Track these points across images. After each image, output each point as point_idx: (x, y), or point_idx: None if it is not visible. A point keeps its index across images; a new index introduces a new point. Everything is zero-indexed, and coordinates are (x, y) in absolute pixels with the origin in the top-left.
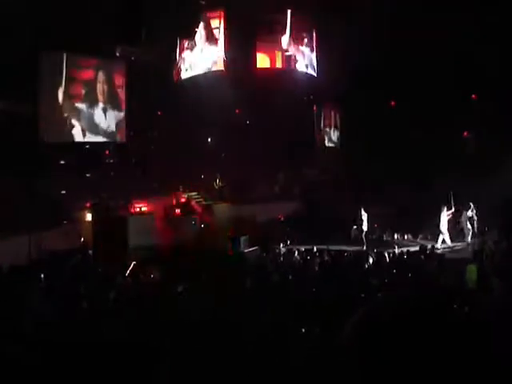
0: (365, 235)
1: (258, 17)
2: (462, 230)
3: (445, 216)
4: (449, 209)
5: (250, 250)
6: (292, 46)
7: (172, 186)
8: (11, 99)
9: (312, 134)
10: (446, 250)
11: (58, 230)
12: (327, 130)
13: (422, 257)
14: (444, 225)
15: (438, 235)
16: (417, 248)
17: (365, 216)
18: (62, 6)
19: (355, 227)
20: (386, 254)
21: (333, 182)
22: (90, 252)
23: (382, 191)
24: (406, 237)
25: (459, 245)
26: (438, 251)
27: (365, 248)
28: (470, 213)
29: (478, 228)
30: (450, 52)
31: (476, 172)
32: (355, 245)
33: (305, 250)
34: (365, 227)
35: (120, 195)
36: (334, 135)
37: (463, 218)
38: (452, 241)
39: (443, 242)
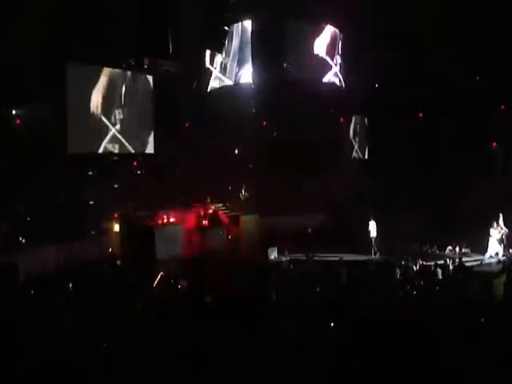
0: (374, 243)
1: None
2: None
3: (495, 230)
4: (498, 223)
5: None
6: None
7: (199, 197)
8: (40, 110)
9: (340, 146)
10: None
11: (86, 240)
12: (355, 142)
13: (451, 270)
14: (494, 239)
15: (487, 249)
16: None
17: (373, 224)
18: (91, 18)
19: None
20: (414, 266)
21: (359, 194)
22: (118, 262)
23: (409, 203)
24: (433, 249)
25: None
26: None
27: (374, 256)
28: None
29: (507, 241)
30: (476, 62)
31: (505, 184)
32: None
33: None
34: (373, 235)
35: (147, 206)
36: (362, 147)
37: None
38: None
39: (496, 254)
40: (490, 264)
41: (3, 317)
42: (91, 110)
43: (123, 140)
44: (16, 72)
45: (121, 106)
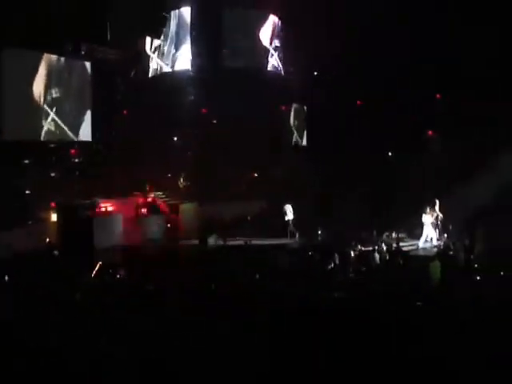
0: (289, 228)
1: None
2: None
3: (428, 215)
4: (432, 209)
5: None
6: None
7: (138, 185)
8: None
9: (279, 133)
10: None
11: (23, 229)
12: (294, 129)
13: (388, 255)
14: (428, 224)
15: (421, 234)
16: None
17: (289, 208)
18: (27, 4)
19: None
20: (352, 252)
21: (298, 181)
22: (56, 252)
23: (347, 190)
24: (371, 235)
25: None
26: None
27: (290, 240)
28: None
29: (443, 226)
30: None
31: (441, 170)
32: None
33: None
34: (289, 218)
35: (85, 195)
36: (301, 135)
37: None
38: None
39: (429, 241)
40: (425, 249)
41: None
42: (27, 96)
43: (60, 128)
44: None
45: (58, 93)
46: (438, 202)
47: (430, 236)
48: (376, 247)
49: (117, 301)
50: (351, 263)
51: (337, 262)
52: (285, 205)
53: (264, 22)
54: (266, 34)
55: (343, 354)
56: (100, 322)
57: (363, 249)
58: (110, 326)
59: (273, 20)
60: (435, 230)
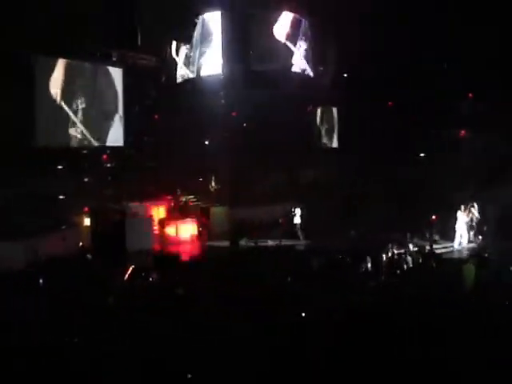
0: (299, 229)
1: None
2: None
3: (462, 216)
4: (466, 208)
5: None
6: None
7: (169, 189)
8: (5, 104)
9: (309, 136)
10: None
11: (57, 234)
12: (324, 131)
13: (421, 257)
14: (461, 226)
15: (454, 236)
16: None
17: (298, 211)
18: (58, 11)
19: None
20: (384, 255)
21: (328, 183)
22: (89, 256)
23: (382, 192)
24: (403, 237)
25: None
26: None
27: (301, 242)
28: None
29: (478, 229)
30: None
31: (475, 170)
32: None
33: None
34: (297, 221)
35: (117, 199)
36: (330, 136)
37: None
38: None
39: (462, 242)
40: (459, 250)
41: None
42: (59, 103)
43: (93, 133)
44: None
45: (90, 99)
46: (475, 203)
47: (462, 237)
48: (408, 250)
49: (148, 304)
50: (383, 266)
51: (369, 265)
52: (294, 208)
53: (289, 24)
54: (292, 35)
55: (373, 357)
56: (130, 325)
57: (395, 251)
58: (140, 329)
59: (299, 21)
60: (469, 231)
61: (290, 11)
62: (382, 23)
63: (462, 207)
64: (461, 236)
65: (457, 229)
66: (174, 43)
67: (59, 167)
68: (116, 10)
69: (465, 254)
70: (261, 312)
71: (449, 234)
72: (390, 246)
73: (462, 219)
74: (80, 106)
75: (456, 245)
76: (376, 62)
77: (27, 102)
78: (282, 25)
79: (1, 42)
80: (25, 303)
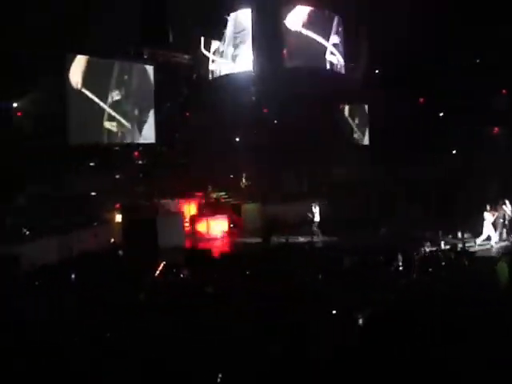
0: (317, 226)
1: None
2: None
3: (489, 214)
4: (492, 207)
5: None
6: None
7: (201, 185)
8: (40, 102)
9: (341, 133)
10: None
11: (88, 231)
12: (356, 128)
13: (454, 255)
14: (488, 223)
15: (481, 233)
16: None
17: (316, 209)
18: (90, 10)
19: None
20: (416, 253)
21: (360, 180)
22: (120, 252)
23: (414, 190)
24: (435, 235)
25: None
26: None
27: (317, 239)
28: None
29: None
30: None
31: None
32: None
33: None
34: (316, 219)
35: (149, 196)
36: (362, 133)
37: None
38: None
39: (487, 239)
40: (481, 246)
41: (6, 307)
42: (91, 100)
43: (124, 131)
44: (15, 65)
45: (122, 97)
46: (506, 200)
47: (490, 235)
48: (440, 248)
49: (178, 301)
50: (415, 264)
51: (400, 263)
52: (313, 205)
53: (323, 20)
54: (324, 31)
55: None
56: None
57: (427, 250)
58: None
59: (332, 17)
60: (503, 229)
61: (322, 7)
62: (414, 19)
63: (488, 206)
64: (488, 236)
65: (484, 228)
66: (206, 40)
67: (91, 164)
68: (147, 9)
69: (497, 252)
70: (290, 309)
71: (481, 233)
72: (421, 244)
73: (489, 218)
74: (116, 98)
75: (479, 241)
76: (408, 58)
77: (62, 99)
78: (314, 21)
79: (35, 41)
80: (58, 299)
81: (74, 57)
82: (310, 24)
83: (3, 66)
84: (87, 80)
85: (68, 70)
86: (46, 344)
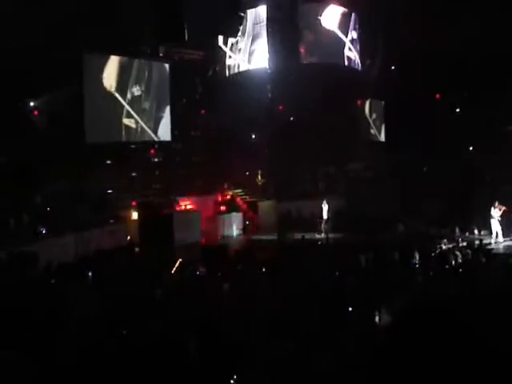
0: (325, 224)
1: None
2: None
3: (496, 210)
4: (500, 203)
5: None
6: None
7: (217, 183)
8: (57, 102)
9: (357, 129)
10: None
11: (105, 228)
12: (372, 123)
13: (470, 252)
14: (495, 222)
15: (491, 230)
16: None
17: (325, 206)
18: (104, 8)
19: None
20: (433, 250)
21: (376, 176)
22: (137, 250)
23: (430, 186)
24: (455, 232)
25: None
26: (491, 246)
27: (323, 236)
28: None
29: None
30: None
31: None
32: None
33: None
34: (325, 216)
35: (165, 193)
36: (379, 129)
37: None
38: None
39: (497, 236)
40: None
41: (23, 304)
42: (107, 99)
43: (140, 129)
44: (31, 64)
45: (137, 95)
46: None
47: (495, 231)
48: (457, 245)
49: (195, 298)
50: (432, 261)
51: (417, 260)
52: (323, 202)
53: (339, 16)
54: (341, 27)
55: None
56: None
57: (444, 247)
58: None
59: (349, 13)
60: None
61: (340, 3)
62: (432, 16)
63: (496, 203)
64: (496, 233)
65: (491, 225)
66: (222, 36)
67: (108, 162)
68: (163, 6)
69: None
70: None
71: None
72: (438, 240)
73: (496, 215)
74: (136, 94)
75: (493, 239)
76: (425, 54)
77: (82, 97)
78: (332, 16)
79: (54, 40)
80: (76, 296)
81: (94, 55)
82: (328, 19)
83: (19, 66)
84: (110, 77)
85: (87, 68)
86: (65, 342)
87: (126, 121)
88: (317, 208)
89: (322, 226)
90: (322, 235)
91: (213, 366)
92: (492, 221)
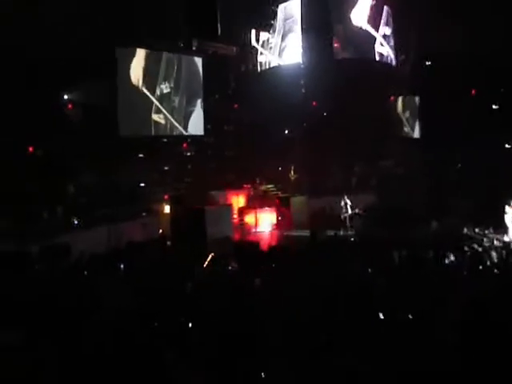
0: (349, 220)
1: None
2: None
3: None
4: None
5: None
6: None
7: (249, 178)
8: (91, 95)
9: (390, 125)
10: None
11: (137, 221)
12: (405, 120)
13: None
14: (509, 218)
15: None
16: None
17: (347, 202)
18: (139, 3)
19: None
20: (467, 250)
21: (409, 174)
22: (169, 243)
23: (465, 184)
24: (486, 232)
25: None
26: None
27: (349, 232)
28: None
29: None
30: None
31: None
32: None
33: None
34: (348, 213)
35: (197, 187)
36: (413, 126)
37: None
38: None
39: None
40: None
41: (56, 295)
42: (141, 93)
43: (173, 123)
44: (66, 58)
45: (171, 89)
46: None
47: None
48: (492, 244)
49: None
50: (466, 262)
51: (451, 260)
52: (344, 198)
53: (369, 10)
54: (372, 21)
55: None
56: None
57: (478, 246)
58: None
59: (380, 7)
60: None
61: None
62: (468, 9)
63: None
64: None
65: (507, 224)
66: (254, 31)
67: (140, 156)
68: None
69: None
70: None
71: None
72: (473, 240)
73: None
74: (165, 91)
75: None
76: (460, 49)
77: (111, 91)
78: (362, 11)
79: (83, 34)
80: (107, 288)
81: (126, 50)
82: (358, 14)
83: (53, 60)
84: (138, 72)
85: (119, 62)
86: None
87: (155, 116)
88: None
89: (348, 223)
90: (348, 232)
91: (240, 360)
92: (506, 218)
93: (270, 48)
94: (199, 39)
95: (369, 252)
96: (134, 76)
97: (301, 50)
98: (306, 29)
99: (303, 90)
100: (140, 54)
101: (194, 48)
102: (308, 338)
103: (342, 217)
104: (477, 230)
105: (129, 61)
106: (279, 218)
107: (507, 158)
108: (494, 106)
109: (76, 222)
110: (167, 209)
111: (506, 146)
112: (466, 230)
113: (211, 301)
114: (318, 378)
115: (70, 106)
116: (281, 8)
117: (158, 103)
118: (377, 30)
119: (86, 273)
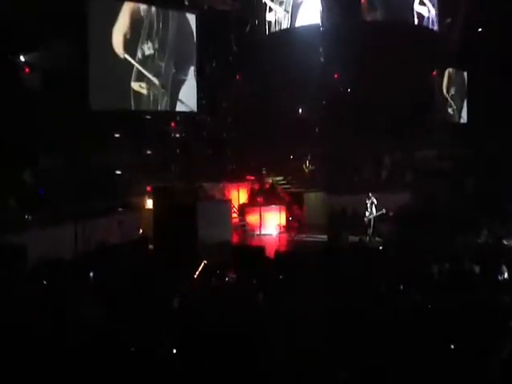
0: (373, 222)
1: None
2: None
3: None
4: None
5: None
6: None
7: (253, 168)
8: (54, 57)
9: (431, 106)
10: None
11: (112, 218)
12: (450, 100)
13: None
14: None
15: None
16: None
17: (373, 202)
18: None
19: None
20: None
21: (455, 167)
22: (151, 247)
23: None
24: None
25: None
26: None
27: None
28: None
29: None
30: None
31: None
32: None
33: None
34: (372, 214)
35: (188, 178)
36: (459, 108)
37: None
38: None
39: None
40: None
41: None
42: (119, 54)
43: (158, 95)
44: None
45: (156, 52)
46: None
47: None
48: None
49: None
50: None
51: (505, 275)
52: (369, 197)
53: None
54: None
55: None
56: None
57: None
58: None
59: None
60: None
61: None
62: None
63: None
64: None
65: None
66: None
67: (116, 135)
68: None
69: None
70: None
71: None
72: None
73: None
74: (147, 52)
75: None
76: None
77: (81, 53)
78: None
79: None
80: (72, 301)
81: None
82: None
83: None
84: (114, 30)
85: (90, 16)
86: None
87: (135, 85)
88: (378, 203)
89: (369, 230)
90: (367, 239)
91: None
92: None
93: (281, 3)
94: None
95: (400, 264)
96: (108, 34)
97: (320, 8)
98: None
99: (322, 59)
100: (116, 7)
101: (186, 3)
102: (324, 377)
103: (365, 219)
104: None
105: (103, 15)
106: (290, 219)
107: None
108: None
109: (33, 218)
110: (150, 203)
111: None
112: None
113: (200, 323)
114: None
115: (26, 69)
116: None
117: (139, 67)
118: None
119: (44, 283)
